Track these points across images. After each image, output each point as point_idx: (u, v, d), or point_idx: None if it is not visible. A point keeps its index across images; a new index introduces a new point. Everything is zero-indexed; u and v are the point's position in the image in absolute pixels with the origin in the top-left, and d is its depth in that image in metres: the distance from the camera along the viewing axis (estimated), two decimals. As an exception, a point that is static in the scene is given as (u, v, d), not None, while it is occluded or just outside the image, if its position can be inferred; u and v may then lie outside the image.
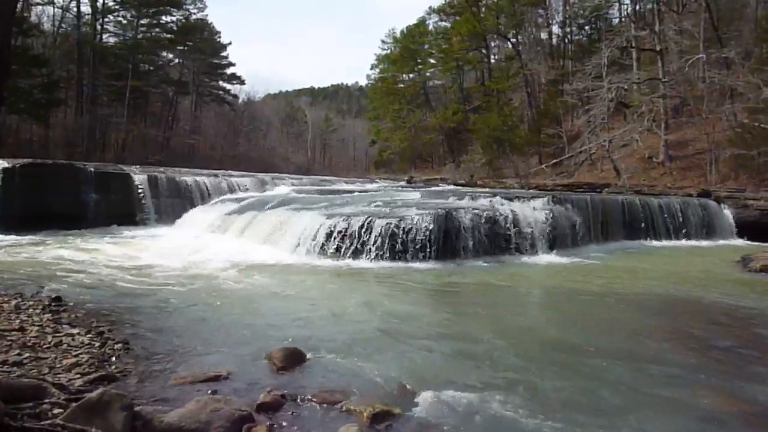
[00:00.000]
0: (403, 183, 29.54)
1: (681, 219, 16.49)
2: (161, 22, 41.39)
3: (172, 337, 5.06)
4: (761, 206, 17.54)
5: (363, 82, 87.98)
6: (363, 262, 9.90)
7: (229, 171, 23.78)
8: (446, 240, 10.79)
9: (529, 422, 3.54)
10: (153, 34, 41.34)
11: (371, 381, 4.15)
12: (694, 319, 7.06)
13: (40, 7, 35.78)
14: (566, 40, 39.87)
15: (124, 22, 39.91)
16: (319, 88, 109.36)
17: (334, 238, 10.28)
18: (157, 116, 42.71)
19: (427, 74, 49.43)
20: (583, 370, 4.64)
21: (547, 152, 30.11)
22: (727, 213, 17.69)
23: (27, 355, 4.13)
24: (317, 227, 10.56)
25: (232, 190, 17.89)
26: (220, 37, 47.19)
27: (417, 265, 9.93)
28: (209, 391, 3.73)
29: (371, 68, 60.36)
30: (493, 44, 42.51)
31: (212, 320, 5.78)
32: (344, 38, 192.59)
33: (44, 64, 29.84)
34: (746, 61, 23.50)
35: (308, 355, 4.57)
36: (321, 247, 10.24)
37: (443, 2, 43.21)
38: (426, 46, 47.34)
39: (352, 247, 10.17)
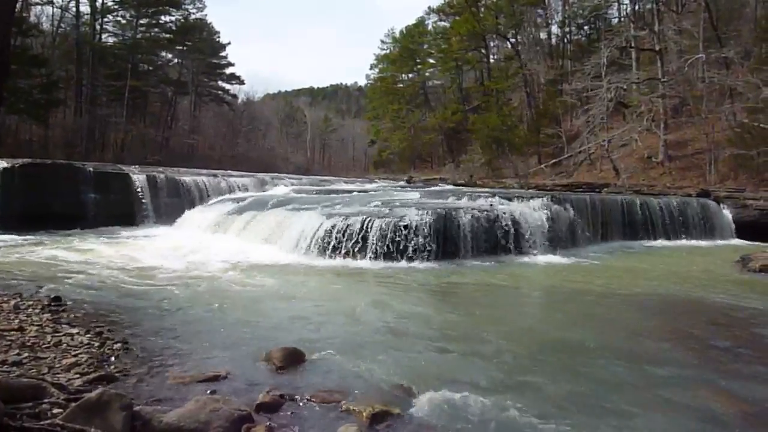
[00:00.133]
0: (402, 183, 29.60)
1: (680, 219, 16.50)
2: (160, 21, 41.37)
3: (172, 337, 5.06)
4: (761, 206, 17.55)
5: (362, 82, 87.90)
6: (362, 262, 9.90)
7: (229, 171, 23.78)
8: (445, 240, 10.80)
9: (529, 422, 3.53)
10: (152, 34, 41.34)
11: (371, 381, 4.15)
12: (693, 319, 7.07)
13: (39, 7, 35.85)
14: (565, 40, 39.87)
15: (123, 21, 39.92)
16: (318, 88, 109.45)
17: (334, 238, 10.28)
18: (156, 116, 42.68)
19: (427, 74, 49.49)
20: (583, 371, 4.64)
21: (547, 152, 30.11)
22: (727, 213, 17.69)
23: (26, 354, 4.12)
24: (317, 227, 10.56)
25: (231, 190, 17.91)
26: (219, 37, 47.34)
27: (416, 265, 9.94)
28: (208, 391, 3.72)
29: (370, 68, 60.55)
30: (492, 44, 42.52)
31: (211, 320, 5.78)
32: (344, 38, 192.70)
33: (43, 64, 29.80)
34: (745, 61, 23.55)
35: (308, 355, 4.56)
36: (320, 247, 10.24)
37: (442, 2, 43.33)
38: (425, 46, 47.37)
39: (352, 247, 10.17)
